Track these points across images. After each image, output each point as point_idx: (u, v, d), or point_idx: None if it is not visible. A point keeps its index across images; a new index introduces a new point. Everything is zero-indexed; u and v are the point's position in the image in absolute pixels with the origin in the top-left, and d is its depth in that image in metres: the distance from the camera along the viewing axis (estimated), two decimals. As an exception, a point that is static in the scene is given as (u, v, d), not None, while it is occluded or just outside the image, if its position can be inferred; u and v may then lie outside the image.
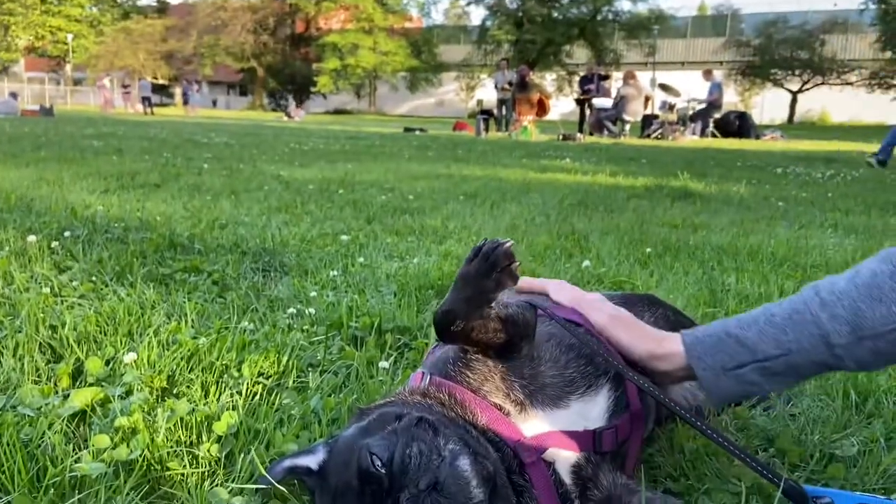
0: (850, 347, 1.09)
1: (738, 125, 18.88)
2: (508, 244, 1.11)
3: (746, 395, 1.23)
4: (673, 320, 1.86)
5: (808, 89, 42.48)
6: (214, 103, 57.89)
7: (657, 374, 1.32)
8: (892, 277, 1.07)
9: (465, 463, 0.97)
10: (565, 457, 1.14)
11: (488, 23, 47.72)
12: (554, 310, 1.41)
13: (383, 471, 0.94)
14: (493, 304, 1.11)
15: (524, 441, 1.11)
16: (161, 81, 51.85)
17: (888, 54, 36.71)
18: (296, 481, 1.13)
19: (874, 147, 11.08)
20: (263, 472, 1.08)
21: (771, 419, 1.54)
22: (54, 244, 2.65)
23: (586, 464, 1.15)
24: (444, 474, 0.95)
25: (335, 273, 2.53)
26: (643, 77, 20.73)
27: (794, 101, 42.80)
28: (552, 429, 1.14)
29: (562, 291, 1.42)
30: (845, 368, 1.13)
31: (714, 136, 17.89)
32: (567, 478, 1.13)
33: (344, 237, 3.24)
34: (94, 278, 2.27)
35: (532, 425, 1.13)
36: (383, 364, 1.65)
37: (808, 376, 1.18)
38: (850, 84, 40.84)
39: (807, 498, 1.09)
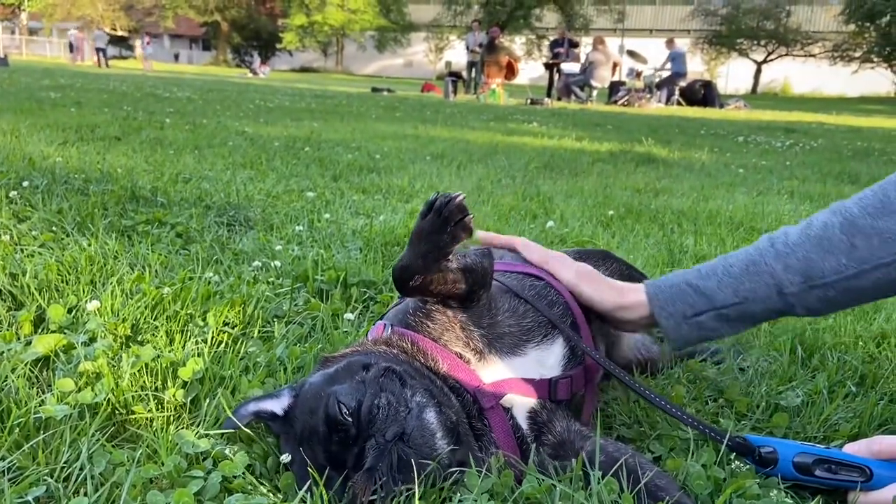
0: (801, 295, 1.16)
1: (703, 94, 19.03)
2: (460, 197, 1.12)
3: (704, 339, 1.30)
4: (626, 274, 1.91)
5: (772, 60, 42.92)
6: (176, 57, 56.32)
7: (623, 323, 1.38)
8: (841, 229, 1.13)
9: (431, 416, 1.00)
10: (522, 403, 1.18)
11: (458, -17, 47.00)
12: (512, 265, 1.45)
13: (350, 419, 0.97)
14: (449, 257, 1.14)
15: (483, 387, 1.14)
16: (120, 33, 50.15)
17: (851, 27, 37.16)
18: (262, 424, 1.15)
19: (834, 118, 11.26)
20: (230, 413, 1.10)
21: (721, 372, 1.60)
22: (12, 194, 2.60)
23: (542, 410, 1.19)
24: (410, 426, 0.98)
25: (301, 228, 2.53)
26: (612, 43, 20.70)
27: (758, 72, 43.23)
28: (510, 376, 1.18)
29: (528, 249, 1.46)
30: (795, 314, 1.21)
31: (679, 104, 18.03)
32: (524, 423, 1.18)
33: (310, 194, 3.22)
34: (54, 228, 2.24)
35: (491, 372, 1.17)
36: (348, 316, 1.67)
37: (761, 321, 1.26)
38: (814, 56, 41.35)
39: (753, 450, 1.15)
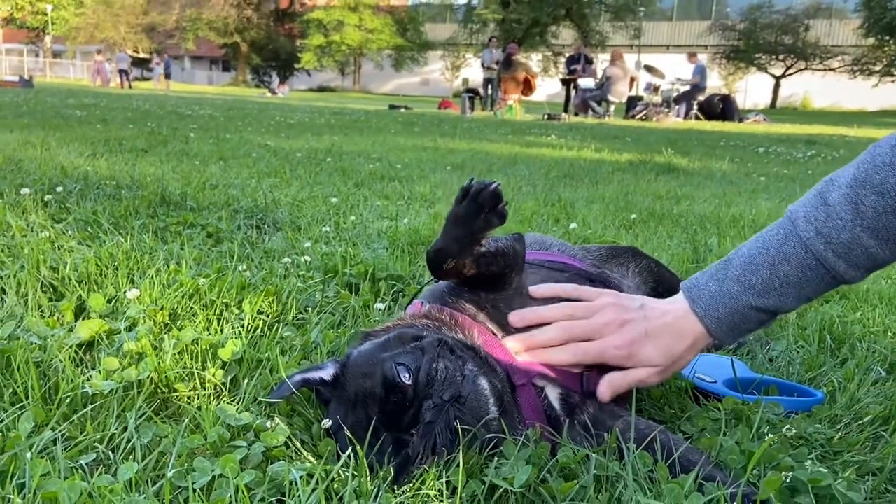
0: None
1: (722, 108, 18.96)
2: (495, 185, 1.15)
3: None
4: (656, 272, 1.92)
5: (791, 74, 42.72)
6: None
7: None
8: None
9: (484, 383, 1.05)
10: (554, 385, 1.20)
11: (474, 1, 47.39)
12: (546, 255, 1.48)
13: (409, 382, 1.01)
14: (482, 243, 1.17)
15: (516, 364, 1.17)
16: (142, 55, 50.99)
17: (871, 41, 36.95)
18: (302, 397, 1.18)
19: (855, 131, 11.18)
20: (274, 387, 1.12)
21: (752, 362, 1.61)
22: (48, 197, 2.67)
23: (574, 392, 1.21)
24: (466, 390, 1.02)
25: (327, 229, 2.57)
26: (629, 59, 20.73)
27: (777, 86, 43.04)
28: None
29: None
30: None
31: (698, 118, 17.98)
32: (556, 403, 1.20)
33: (334, 199, 3.27)
34: (89, 228, 2.30)
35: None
36: (379, 306, 1.70)
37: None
38: (833, 70, 41.10)
39: None
